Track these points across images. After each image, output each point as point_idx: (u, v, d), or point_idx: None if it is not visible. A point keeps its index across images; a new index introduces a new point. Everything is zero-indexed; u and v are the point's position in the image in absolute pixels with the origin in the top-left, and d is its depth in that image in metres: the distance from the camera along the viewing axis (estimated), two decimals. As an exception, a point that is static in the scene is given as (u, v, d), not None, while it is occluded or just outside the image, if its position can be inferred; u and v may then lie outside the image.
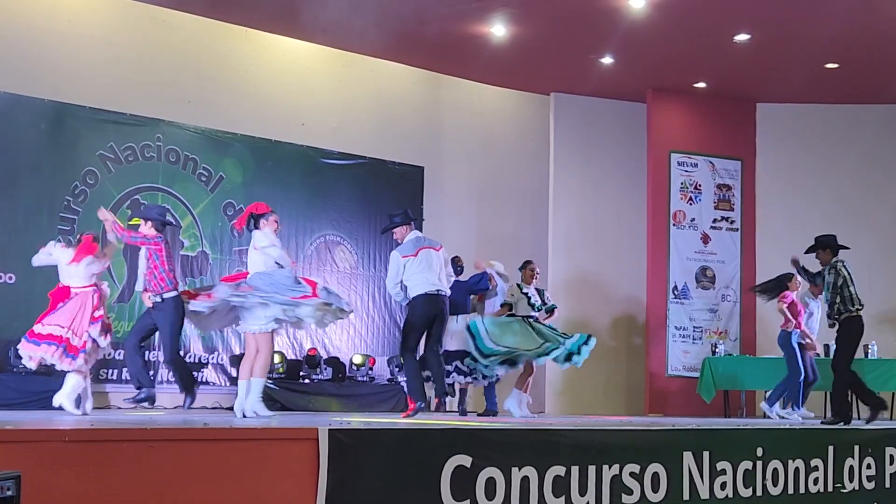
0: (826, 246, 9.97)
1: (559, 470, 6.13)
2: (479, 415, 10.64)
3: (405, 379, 9.88)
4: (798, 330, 11.55)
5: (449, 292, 9.45)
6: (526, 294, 10.72)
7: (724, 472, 7.09)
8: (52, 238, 9.72)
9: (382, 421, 7.88)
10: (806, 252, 10.41)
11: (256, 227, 8.56)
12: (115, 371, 11.44)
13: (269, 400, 11.19)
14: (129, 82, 12.08)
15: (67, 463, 4.55)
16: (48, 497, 4.36)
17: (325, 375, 12.63)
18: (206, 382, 12.30)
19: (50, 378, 10.64)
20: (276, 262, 8.37)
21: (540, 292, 10.97)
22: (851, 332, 9.86)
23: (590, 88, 14.86)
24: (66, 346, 8.22)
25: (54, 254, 8.65)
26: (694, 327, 14.87)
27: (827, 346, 12.83)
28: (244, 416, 8.07)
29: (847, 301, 9.72)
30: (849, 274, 9.82)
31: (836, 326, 9.89)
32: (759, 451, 7.35)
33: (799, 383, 11.50)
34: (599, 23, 12.51)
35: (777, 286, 11.64)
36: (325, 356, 12.86)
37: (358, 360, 12.92)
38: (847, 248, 10.09)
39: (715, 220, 15.25)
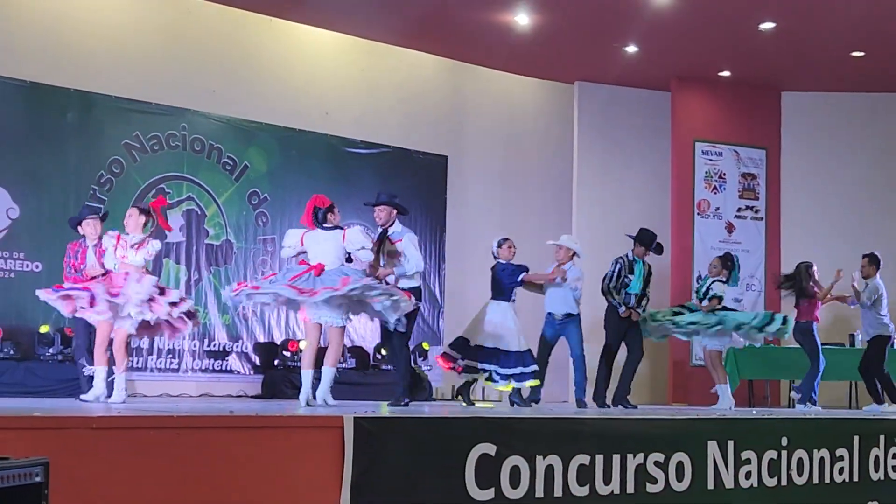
0: (640, 242, 10.69)
1: (583, 459, 6.11)
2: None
3: (400, 370, 8.98)
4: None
5: None
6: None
7: (748, 461, 7.06)
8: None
9: (407, 409, 7.91)
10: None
11: (325, 221, 8.39)
12: (141, 359, 11.53)
13: (292, 388, 11.27)
14: (155, 72, 12.14)
15: (95, 450, 4.58)
16: (76, 483, 4.40)
17: (349, 364, 12.65)
18: (231, 371, 12.37)
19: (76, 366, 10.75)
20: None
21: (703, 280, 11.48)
22: None
23: (614, 77, 14.82)
24: None
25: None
26: (718, 317, 14.78)
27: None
28: (307, 405, 8.01)
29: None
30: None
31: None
32: (784, 441, 7.31)
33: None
34: (623, 11, 12.47)
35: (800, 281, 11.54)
36: (349, 345, 12.89)
37: (387, 349, 12.90)
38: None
39: (739, 210, 15.18)
